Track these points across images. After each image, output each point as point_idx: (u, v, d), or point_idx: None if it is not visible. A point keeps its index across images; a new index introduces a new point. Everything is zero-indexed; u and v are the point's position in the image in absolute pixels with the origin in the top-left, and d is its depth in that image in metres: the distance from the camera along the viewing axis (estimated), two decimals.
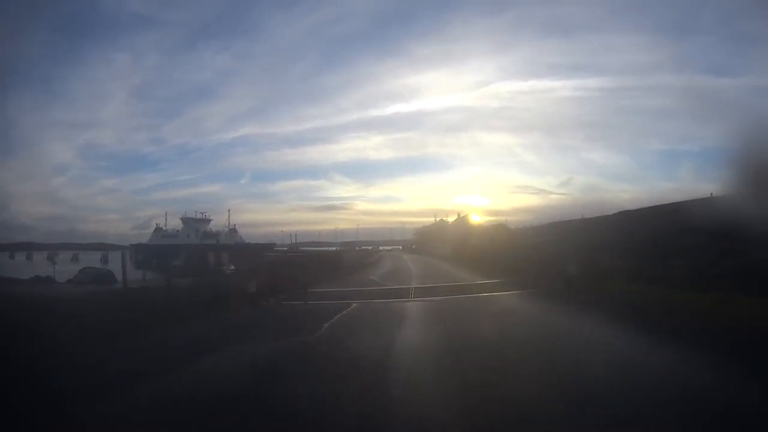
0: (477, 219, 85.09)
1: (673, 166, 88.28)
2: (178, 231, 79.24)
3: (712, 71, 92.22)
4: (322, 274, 27.46)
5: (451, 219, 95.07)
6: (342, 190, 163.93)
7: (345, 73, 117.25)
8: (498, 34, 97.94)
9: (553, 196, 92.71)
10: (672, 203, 24.32)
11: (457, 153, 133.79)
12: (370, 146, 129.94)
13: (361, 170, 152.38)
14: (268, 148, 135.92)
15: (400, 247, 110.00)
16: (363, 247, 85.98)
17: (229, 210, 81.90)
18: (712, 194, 20.67)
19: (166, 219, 79.67)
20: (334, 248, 77.12)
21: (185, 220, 79.09)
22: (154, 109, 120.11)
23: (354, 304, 16.42)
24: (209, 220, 79.49)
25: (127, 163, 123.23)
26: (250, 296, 16.25)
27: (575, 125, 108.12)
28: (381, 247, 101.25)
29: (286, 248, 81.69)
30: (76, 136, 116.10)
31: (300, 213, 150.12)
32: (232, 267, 44.93)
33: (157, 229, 79.63)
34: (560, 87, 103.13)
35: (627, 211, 29.98)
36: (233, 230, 78.96)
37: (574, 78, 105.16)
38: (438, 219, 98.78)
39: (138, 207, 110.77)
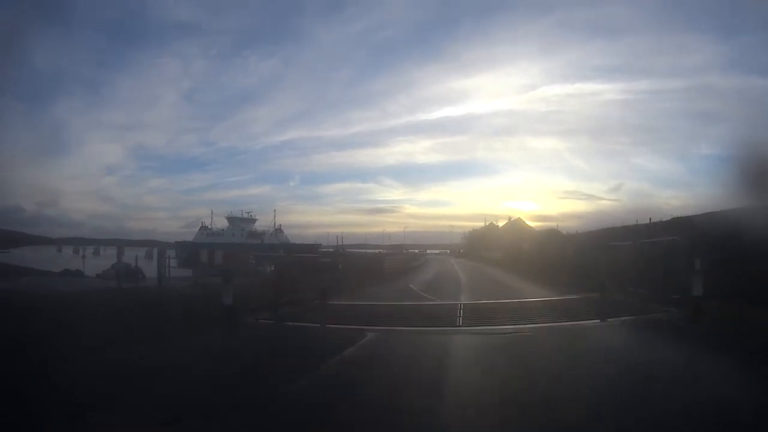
0: (528, 224, 79.51)
1: (723, 172, 78.23)
2: (223, 230, 79.97)
3: (764, 72, 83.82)
4: (353, 281, 22.41)
5: (501, 223, 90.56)
6: (390, 194, 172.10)
7: (391, 77, 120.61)
8: (542, 36, 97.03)
9: (602, 202, 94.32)
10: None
11: (505, 157, 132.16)
12: (419, 150, 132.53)
13: (410, 174, 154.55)
14: (316, 151, 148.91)
15: (448, 251, 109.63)
16: (410, 251, 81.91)
17: (275, 209, 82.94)
18: None
19: (212, 217, 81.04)
20: (379, 251, 73.48)
21: (231, 219, 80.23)
22: (203, 113, 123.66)
23: (370, 335, 10.38)
24: (255, 220, 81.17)
25: (176, 164, 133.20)
26: (225, 311, 10.82)
27: (623, 129, 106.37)
28: (428, 251, 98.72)
29: (332, 249, 78.68)
30: (126, 138, 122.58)
31: (348, 215, 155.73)
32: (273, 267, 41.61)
33: (203, 228, 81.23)
34: (607, 90, 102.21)
35: (679, 217, 25.79)
36: (279, 230, 79.59)
37: (621, 80, 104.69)
38: (488, 223, 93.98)
39: (186, 206, 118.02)
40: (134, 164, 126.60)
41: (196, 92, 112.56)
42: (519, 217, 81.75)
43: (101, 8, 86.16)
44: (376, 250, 76.30)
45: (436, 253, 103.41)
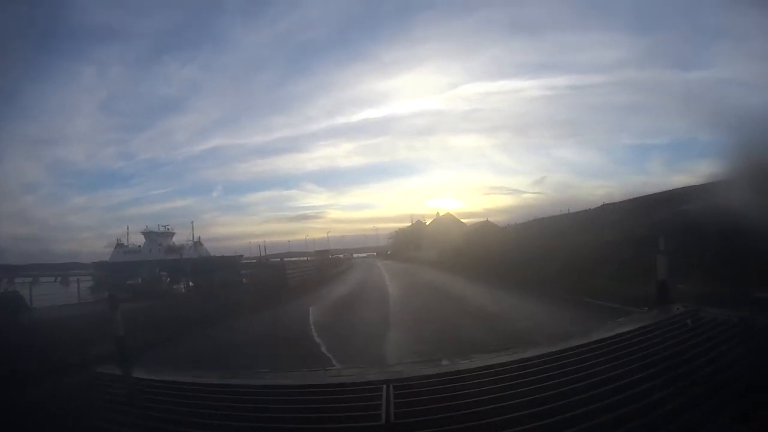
0: (456, 219, 73.87)
1: (644, 160, 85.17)
2: (140, 246, 74.19)
3: (679, 65, 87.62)
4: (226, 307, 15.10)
5: (428, 221, 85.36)
6: (314, 199, 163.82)
7: (312, 81, 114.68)
8: (464, 35, 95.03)
9: (527, 195, 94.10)
10: (661, 192, 21.23)
11: (428, 157, 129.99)
12: (341, 154, 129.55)
13: (333, 178, 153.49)
14: (239, 159, 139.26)
15: (375, 254, 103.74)
16: (335, 255, 74.79)
17: (192, 222, 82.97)
18: None
19: (128, 234, 75.31)
20: (306, 258, 65.89)
21: (147, 234, 74.98)
22: (123, 123, 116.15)
23: None
24: (172, 234, 75.80)
25: (97, 179, 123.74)
26: None
27: (545, 124, 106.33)
28: (355, 255, 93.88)
29: (254, 260, 71.94)
30: (43, 153, 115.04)
31: (273, 224, 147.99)
32: (190, 283, 37.11)
33: (119, 245, 74.78)
34: (529, 86, 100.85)
35: (607, 204, 26.91)
36: (198, 243, 74.45)
37: (543, 77, 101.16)
38: (414, 221, 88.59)
39: (111, 224, 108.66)
40: (53, 181, 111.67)
41: (114, 101, 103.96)
42: (448, 212, 75.65)
43: (10, 12, 75.09)
44: (304, 258, 68.12)
45: (363, 257, 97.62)
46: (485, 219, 55.86)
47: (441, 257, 44.97)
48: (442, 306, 14.12)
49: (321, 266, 36.52)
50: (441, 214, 77.19)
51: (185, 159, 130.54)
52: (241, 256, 72.81)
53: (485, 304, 13.70)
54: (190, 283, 38.06)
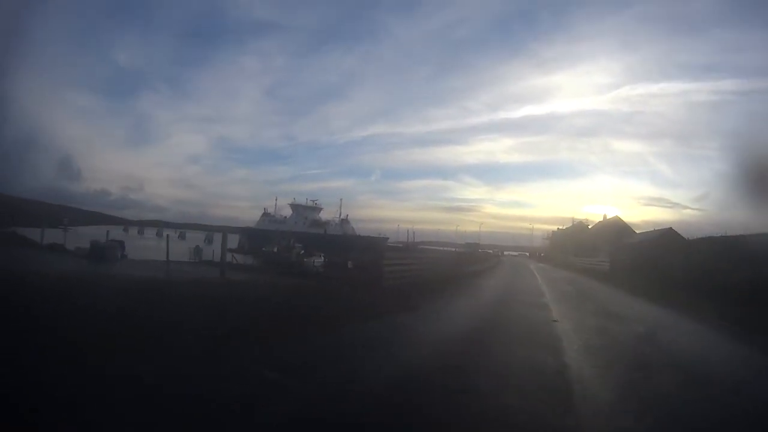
0: (627, 225, 61.99)
1: None
2: (286, 217, 73.82)
3: None
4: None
5: (591, 224, 74.32)
6: (470, 192, 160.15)
7: (471, 75, 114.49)
8: (623, 31, 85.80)
9: (687, 212, 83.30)
10: None
11: (588, 159, 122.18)
12: (500, 149, 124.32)
13: (491, 173, 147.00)
14: (397, 147, 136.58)
15: (527, 254, 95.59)
16: (484, 250, 68.38)
17: (341, 199, 78.79)
18: None
19: (276, 204, 75.58)
20: (454, 249, 62.18)
21: (294, 207, 74.22)
22: (285, 108, 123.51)
23: None
24: (320, 209, 74.28)
25: (258, 156, 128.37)
26: None
27: (710, 133, 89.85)
28: (505, 252, 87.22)
29: (401, 245, 70.71)
30: (210, 131, 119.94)
31: (427, 212, 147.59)
32: (322, 258, 36.25)
33: (265, 214, 75.55)
34: (693, 90, 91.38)
35: None
36: (345, 221, 72.36)
37: (707, 80, 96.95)
38: (575, 221, 77.68)
39: (269, 197, 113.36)
40: (217, 155, 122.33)
41: (277, 88, 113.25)
42: (617, 216, 64.11)
43: (182, 10, 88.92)
44: (452, 249, 64.05)
45: (513, 255, 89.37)
46: (668, 227, 44.44)
47: (613, 269, 36.01)
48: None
49: (459, 261, 29.81)
50: (611, 215, 65.58)
51: (344, 143, 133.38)
52: (387, 238, 70.81)
53: None
54: (322, 258, 36.60)
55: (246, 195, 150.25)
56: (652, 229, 49.00)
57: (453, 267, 25.47)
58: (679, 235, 41.90)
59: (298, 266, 31.95)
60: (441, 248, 64.12)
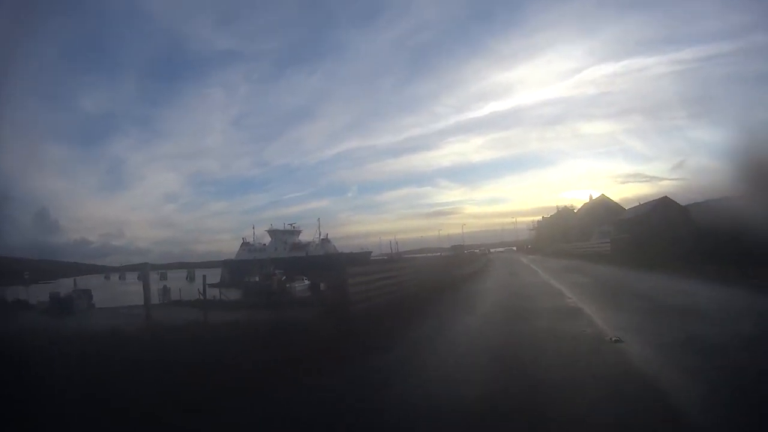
0: (615, 203, 58.57)
1: None
2: (265, 245, 72.14)
3: None
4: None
5: (576, 208, 71.11)
6: (448, 195, 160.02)
7: (435, 79, 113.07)
8: (579, 17, 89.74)
9: (666, 182, 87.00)
10: None
11: (560, 147, 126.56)
12: (471, 149, 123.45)
13: (466, 173, 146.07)
14: (371, 160, 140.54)
15: (514, 248, 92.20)
16: (470, 251, 64.66)
17: (318, 219, 78.58)
18: None
19: (253, 233, 73.97)
20: (439, 254, 58.94)
21: (272, 233, 72.80)
22: (254, 135, 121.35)
23: None
24: (299, 231, 73.30)
25: (234, 186, 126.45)
26: None
27: (677, 103, 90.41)
28: (492, 250, 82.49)
29: (385, 257, 64.66)
30: (182, 167, 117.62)
31: (408, 221, 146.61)
32: (306, 282, 35.37)
33: (244, 244, 73.28)
34: (655, 63, 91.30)
35: None
36: (325, 240, 71.16)
37: (668, 52, 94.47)
38: (560, 207, 74.68)
39: (248, 226, 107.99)
40: (193, 190, 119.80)
41: (245, 116, 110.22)
42: (603, 194, 60.63)
43: (143, 48, 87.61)
44: (438, 254, 61.02)
45: (500, 251, 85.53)
46: (663, 196, 40.97)
47: (616, 249, 32.16)
48: None
49: (446, 265, 25.20)
50: (597, 195, 62.07)
51: (318, 163, 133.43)
52: (370, 252, 68.49)
53: None
54: (306, 282, 35.34)
55: (226, 227, 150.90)
56: (644, 202, 45.64)
57: (439, 273, 21.17)
58: (675, 202, 38.42)
59: (280, 294, 31.06)
60: (427, 255, 60.35)
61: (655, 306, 9.98)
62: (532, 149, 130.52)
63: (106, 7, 75.65)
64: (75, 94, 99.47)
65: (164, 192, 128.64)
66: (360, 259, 53.28)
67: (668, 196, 40.51)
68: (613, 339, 6.75)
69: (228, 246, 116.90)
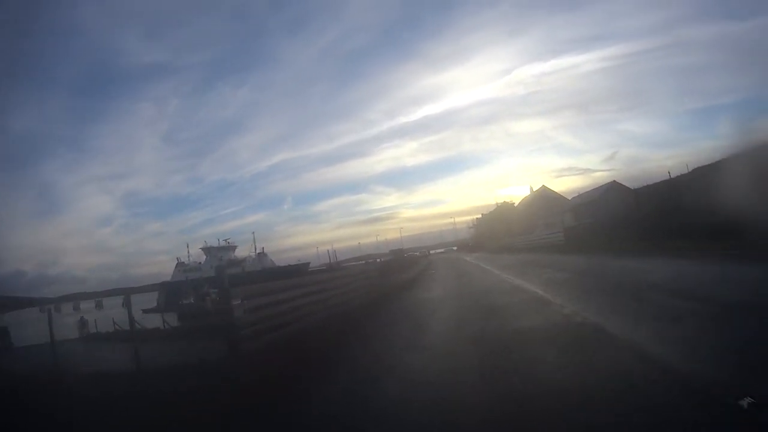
0: (558, 193, 56.42)
1: (715, 123, 71.99)
2: (200, 263, 68.21)
3: (736, 16, 77.26)
4: None
5: (516, 201, 69.22)
6: (384, 201, 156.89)
7: (367, 85, 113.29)
8: (507, 19, 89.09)
9: (599, 174, 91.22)
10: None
11: (493, 146, 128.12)
12: (406, 153, 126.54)
13: (401, 178, 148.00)
14: (306, 170, 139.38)
15: (455, 248, 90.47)
16: (410, 254, 61.40)
17: (254, 233, 76.74)
18: None
19: (188, 251, 69.69)
20: (378, 259, 53.52)
21: (207, 250, 69.18)
22: (187, 151, 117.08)
23: None
24: (234, 247, 70.36)
25: (168, 205, 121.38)
26: None
27: (606, 98, 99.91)
28: (432, 251, 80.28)
29: (324, 267, 62.88)
30: (115, 188, 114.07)
31: (346, 229, 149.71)
32: (239, 301, 23.29)
33: (179, 264, 69.22)
34: (583, 61, 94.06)
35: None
36: (262, 254, 68.98)
37: (595, 49, 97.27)
38: (500, 203, 72.53)
39: (190, 245, 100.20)
40: (127, 212, 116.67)
41: (176, 132, 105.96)
42: (544, 185, 58.35)
43: (69, 63, 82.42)
44: (378, 259, 57.05)
45: (440, 252, 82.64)
46: (612, 180, 38.50)
47: (570, 238, 28.70)
48: None
49: (382, 272, 20.20)
50: (537, 187, 59.70)
51: (253, 176, 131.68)
52: (308, 263, 66.33)
53: None
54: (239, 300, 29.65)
55: (164, 248, 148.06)
56: (592, 189, 43.03)
57: (374, 282, 16.54)
58: (624, 186, 35.83)
59: (215, 315, 25.47)
60: (366, 261, 57.55)
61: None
62: (466, 150, 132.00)
63: (30, 22, 70.32)
64: (1, 114, 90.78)
65: (98, 215, 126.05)
66: (298, 271, 52.26)
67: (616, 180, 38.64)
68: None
69: (167, 267, 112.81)
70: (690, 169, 21.41)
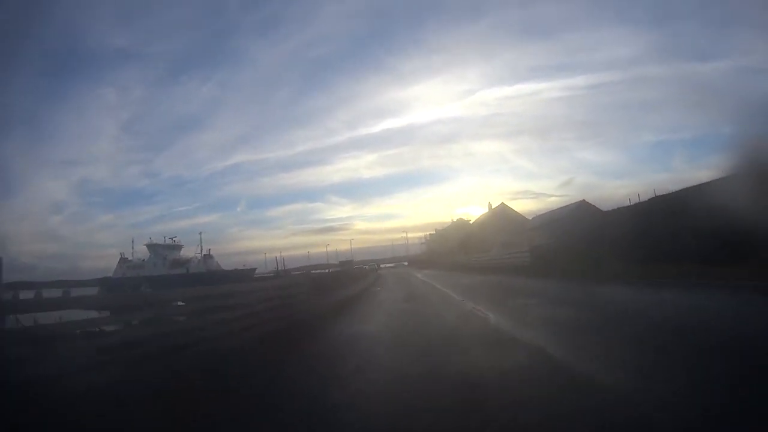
0: (518, 212, 53.83)
1: (668, 157, 78.64)
2: (144, 260, 66.39)
3: (696, 57, 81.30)
4: None
5: (472, 219, 66.87)
6: (339, 211, 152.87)
7: (331, 94, 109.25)
8: (477, 41, 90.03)
9: (553, 199, 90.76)
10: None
11: (451, 164, 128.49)
12: (364, 165, 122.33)
13: (357, 190, 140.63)
14: (262, 174, 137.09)
15: (406, 263, 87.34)
16: (360, 267, 58.32)
17: (200, 233, 78.49)
18: None
19: (132, 247, 67.32)
20: (327, 270, 56.62)
21: (151, 247, 66.84)
22: (145, 143, 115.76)
23: None
24: (181, 246, 68.07)
25: (122, 197, 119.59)
26: None
27: (566, 126, 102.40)
28: (382, 265, 77.45)
29: (271, 274, 63.28)
30: (70, 174, 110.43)
31: (298, 237, 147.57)
32: (181, 303, 18.41)
33: (122, 260, 67.16)
34: (546, 88, 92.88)
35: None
36: (208, 256, 65.88)
37: (559, 78, 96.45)
38: (455, 219, 70.35)
39: (137, 241, 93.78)
40: (80, 200, 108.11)
41: (136, 122, 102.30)
42: (503, 203, 55.65)
43: (34, 41, 76.24)
44: (326, 270, 58.02)
45: (391, 267, 78.94)
46: (582, 199, 35.86)
47: (537, 259, 25.33)
48: None
49: (323, 286, 15.90)
50: (496, 205, 56.96)
51: (209, 176, 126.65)
52: (254, 269, 65.37)
53: None
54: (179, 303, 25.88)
55: (113, 242, 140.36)
56: (557, 208, 40.29)
57: (313, 298, 12.49)
58: (593, 206, 33.15)
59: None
60: (314, 271, 55.95)
61: None
62: (424, 166, 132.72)
63: None
64: None
65: (50, 201, 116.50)
66: (244, 277, 51.95)
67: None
68: None
69: (113, 262, 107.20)
70: (643, 199, 21.03)
